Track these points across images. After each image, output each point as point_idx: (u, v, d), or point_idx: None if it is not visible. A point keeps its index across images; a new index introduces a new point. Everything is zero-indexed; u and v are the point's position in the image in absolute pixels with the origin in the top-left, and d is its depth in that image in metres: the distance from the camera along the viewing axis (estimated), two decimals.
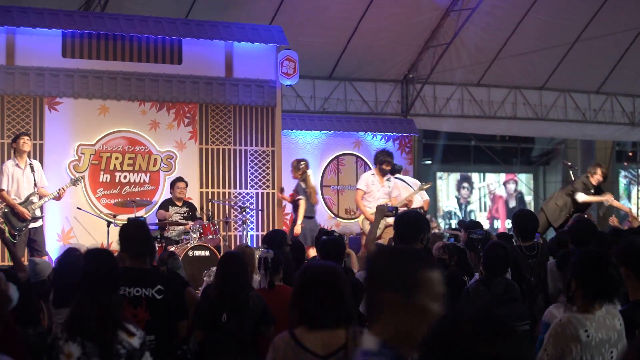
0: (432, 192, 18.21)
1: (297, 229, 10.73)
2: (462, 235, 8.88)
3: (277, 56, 12.02)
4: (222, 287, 5.04)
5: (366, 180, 10.80)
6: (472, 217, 20.23)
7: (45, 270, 6.02)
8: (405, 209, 9.79)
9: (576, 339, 3.62)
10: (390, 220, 7.15)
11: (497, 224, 21.96)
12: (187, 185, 10.92)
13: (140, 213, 10.86)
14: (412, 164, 14.57)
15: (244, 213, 11.16)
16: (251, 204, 11.77)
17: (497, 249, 5.41)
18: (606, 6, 15.22)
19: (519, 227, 6.47)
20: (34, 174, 9.64)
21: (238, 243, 11.63)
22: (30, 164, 9.69)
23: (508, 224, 20.15)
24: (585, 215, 9.51)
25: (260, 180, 11.88)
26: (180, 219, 10.70)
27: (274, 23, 13.25)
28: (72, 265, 5.04)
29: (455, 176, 21.84)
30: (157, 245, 9.38)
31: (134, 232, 4.86)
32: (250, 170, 11.87)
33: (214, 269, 6.50)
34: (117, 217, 10.50)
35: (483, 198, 22.16)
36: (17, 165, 9.58)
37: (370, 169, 13.62)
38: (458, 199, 21.83)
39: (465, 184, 21.86)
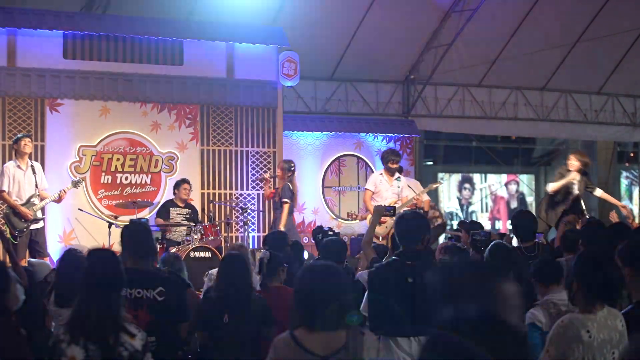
0: (434, 193, 18.17)
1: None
2: (463, 235, 8.89)
3: (278, 57, 12.02)
4: (224, 288, 5.04)
5: (374, 180, 10.77)
6: (474, 218, 20.21)
7: (43, 271, 6.02)
8: (410, 209, 9.79)
9: (578, 339, 3.62)
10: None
11: (499, 225, 21.94)
12: (191, 187, 10.92)
13: (142, 214, 10.85)
14: (413, 164, 14.56)
15: (245, 214, 11.15)
16: (252, 205, 11.77)
17: (499, 250, 5.41)
18: (607, 7, 15.20)
19: (518, 228, 6.47)
20: (35, 176, 9.64)
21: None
22: (31, 165, 9.70)
23: (509, 224, 20.13)
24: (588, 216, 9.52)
25: (261, 181, 11.87)
26: (182, 220, 10.70)
27: (275, 24, 13.25)
28: (73, 266, 5.05)
29: (456, 177, 21.81)
30: (158, 246, 9.38)
31: (136, 233, 4.87)
32: (251, 172, 11.87)
33: (213, 271, 6.51)
34: (118, 219, 10.49)
35: (484, 199, 22.14)
36: (18, 166, 9.58)
37: (371, 170, 13.65)
38: (459, 200, 21.80)
39: (467, 185, 21.83)
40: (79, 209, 10.69)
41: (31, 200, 9.55)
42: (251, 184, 11.84)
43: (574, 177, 9.99)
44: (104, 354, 3.57)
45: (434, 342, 1.83)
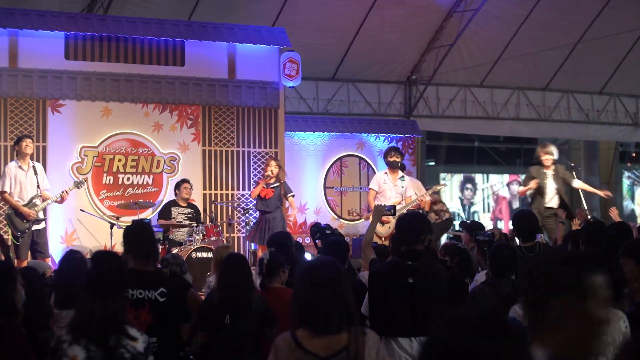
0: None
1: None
2: (464, 236, 8.88)
3: (279, 58, 12.01)
4: (225, 289, 5.03)
5: (378, 179, 10.76)
6: (476, 218, 20.19)
7: (41, 270, 6.02)
8: (410, 209, 9.79)
9: None
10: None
11: (501, 225, 21.91)
12: (192, 186, 10.92)
13: (143, 215, 10.85)
14: (415, 165, 14.55)
15: (247, 215, 11.15)
16: (254, 205, 11.75)
17: (503, 250, 5.40)
18: (609, 7, 15.20)
19: (518, 227, 6.46)
20: (36, 177, 9.64)
21: (241, 245, 11.64)
22: (33, 166, 9.70)
23: (511, 224, 20.09)
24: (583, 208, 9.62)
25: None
26: (184, 219, 10.70)
27: (276, 25, 13.25)
28: (74, 267, 5.05)
29: (458, 177, 21.79)
30: (160, 247, 9.37)
31: (138, 233, 4.86)
32: (253, 172, 11.86)
33: (211, 279, 6.51)
34: (120, 219, 10.50)
35: (486, 199, 22.12)
36: (20, 167, 9.58)
37: (373, 170, 13.64)
38: (461, 200, 21.78)
39: (469, 185, 21.80)
40: (80, 210, 10.69)
41: (33, 201, 9.55)
42: (253, 185, 11.82)
43: (540, 178, 10.25)
44: (105, 355, 3.57)
45: (435, 342, 1.82)
